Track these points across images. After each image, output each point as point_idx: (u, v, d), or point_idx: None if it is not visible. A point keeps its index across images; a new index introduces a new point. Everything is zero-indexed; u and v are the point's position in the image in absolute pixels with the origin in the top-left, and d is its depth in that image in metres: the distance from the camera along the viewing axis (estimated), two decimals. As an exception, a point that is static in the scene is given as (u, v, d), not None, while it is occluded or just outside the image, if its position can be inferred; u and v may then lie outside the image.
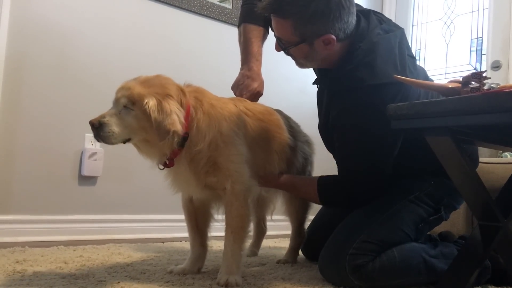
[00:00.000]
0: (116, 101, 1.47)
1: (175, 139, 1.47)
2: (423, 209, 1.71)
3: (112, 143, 1.45)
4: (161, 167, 1.58)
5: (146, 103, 1.42)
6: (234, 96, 1.89)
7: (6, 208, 2.26)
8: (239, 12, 2.07)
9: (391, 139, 1.64)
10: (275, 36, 1.71)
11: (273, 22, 1.68)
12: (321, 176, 1.78)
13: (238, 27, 2.02)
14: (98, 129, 1.41)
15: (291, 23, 1.61)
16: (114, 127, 1.42)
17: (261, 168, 1.72)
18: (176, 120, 1.44)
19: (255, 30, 1.94)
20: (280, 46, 1.70)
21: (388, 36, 1.69)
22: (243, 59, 1.94)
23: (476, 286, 1.66)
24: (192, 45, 2.89)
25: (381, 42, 1.66)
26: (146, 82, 1.49)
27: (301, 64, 1.77)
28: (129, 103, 1.44)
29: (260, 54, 1.94)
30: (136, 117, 1.44)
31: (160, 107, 1.43)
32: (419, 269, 1.62)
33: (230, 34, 3.03)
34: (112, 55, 2.59)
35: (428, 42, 3.83)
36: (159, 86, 1.48)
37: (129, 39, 2.65)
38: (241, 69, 1.93)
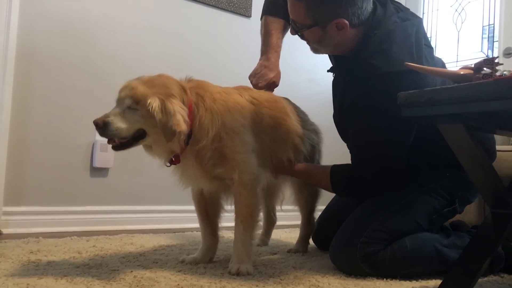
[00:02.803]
0: (120, 101, 1.49)
1: (182, 138, 1.49)
2: (437, 201, 1.70)
3: (122, 137, 1.48)
4: (168, 164, 1.60)
5: (149, 103, 1.44)
6: (250, 84, 1.91)
7: (20, 199, 2.29)
8: (262, 4, 2.07)
9: (405, 128, 1.63)
10: (290, 18, 1.71)
11: (288, 4, 1.69)
12: (334, 165, 1.78)
13: (261, 19, 2.04)
14: (103, 128, 1.45)
15: (304, 5, 1.62)
16: (120, 124, 1.45)
17: (269, 156, 1.72)
18: (180, 120, 1.46)
19: (275, 22, 1.96)
20: (294, 29, 1.72)
21: (404, 24, 1.67)
22: (263, 50, 1.97)
23: (490, 275, 1.66)
24: (200, 36, 2.89)
25: (397, 30, 1.64)
26: (149, 82, 1.51)
27: (315, 49, 1.77)
28: (133, 103, 1.46)
29: (279, 46, 1.97)
30: (142, 116, 1.46)
31: (163, 108, 1.45)
32: (431, 259, 1.61)
33: (239, 25, 3.03)
34: (122, 47, 2.59)
35: (439, 29, 3.78)
36: (162, 86, 1.50)
37: (138, 31, 2.65)
38: (260, 59, 1.96)
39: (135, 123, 1.47)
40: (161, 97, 1.46)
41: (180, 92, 1.53)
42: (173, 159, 1.58)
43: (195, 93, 1.57)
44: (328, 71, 1.90)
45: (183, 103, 1.52)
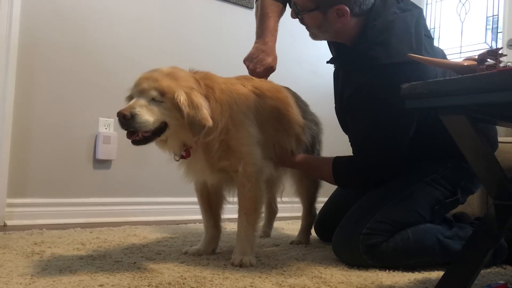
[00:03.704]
0: (143, 92, 1.43)
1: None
2: (439, 191, 1.70)
3: (148, 130, 1.41)
4: (177, 158, 1.58)
5: (177, 96, 1.41)
6: (246, 69, 1.89)
7: (24, 191, 2.30)
8: None
9: (405, 119, 1.63)
10: (292, 1, 1.71)
11: None
12: (337, 156, 1.78)
13: (256, 1, 2.01)
14: (130, 120, 1.37)
15: None
16: (147, 116, 1.39)
17: (272, 147, 1.72)
18: (207, 114, 1.45)
19: (272, 5, 1.94)
20: (295, 11, 1.71)
21: (404, 15, 1.67)
22: (259, 33, 1.93)
23: (492, 266, 1.66)
24: (201, 27, 2.88)
25: (397, 21, 1.64)
26: (171, 74, 1.48)
27: (314, 35, 1.76)
28: (158, 96, 1.42)
29: (276, 30, 1.94)
30: (168, 109, 1.43)
31: (190, 101, 1.43)
32: (434, 250, 1.62)
33: (240, 16, 3.02)
34: (125, 40, 2.59)
35: (443, 20, 3.76)
36: (182, 79, 1.48)
37: (139, 24, 2.65)
38: (256, 42, 1.92)
39: (160, 115, 1.42)
40: (186, 90, 1.45)
41: (197, 84, 1.52)
42: (184, 153, 1.56)
43: (204, 85, 1.55)
44: (327, 62, 1.89)
45: None
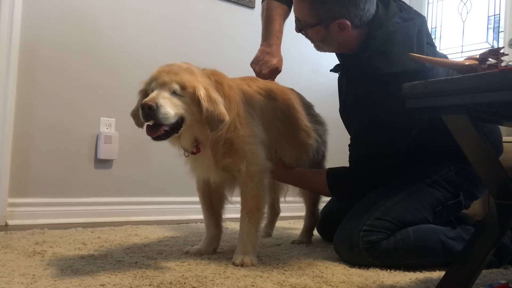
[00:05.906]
0: (164, 85, 1.42)
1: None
2: (440, 193, 1.70)
3: (168, 123, 1.40)
4: (187, 154, 1.58)
5: (198, 91, 1.42)
6: (253, 72, 1.91)
7: (25, 191, 2.30)
8: None
9: (405, 127, 1.65)
10: (295, 16, 1.73)
11: (293, 2, 1.71)
12: (330, 167, 1.81)
13: (262, 2, 2.03)
14: (155, 111, 1.36)
15: (308, 4, 1.64)
16: (169, 109, 1.38)
17: (273, 150, 1.72)
18: (224, 109, 1.45)
19: (278, 8, 1.96)
20: (298, 26, 1.73)
21: (406, 24, 1.68)
22: (264, 35, 1.96)
23: (497, 267, 1.66)
24: (203, 27, 2.88)
25: (398, 31, 1.66)
26: (188, 69, 1.48)
27: (318, 47, 1.79)
28: (179, 89, 1.42)
29: (281, 32, 1.96)
30: (186, 103, 1.44)
31: (208, 96, 1.43)
32: (436, 250, 1.62)
33: (242, 16, 3.02)
34: (126, 39, 2.59)
35: (444, 20, 3.76)
36: (199, 74, 1.49)
37: (141, 23, 2.65)
38: (261, 45, 1.95)
39: (180, 109, 1.42)
40: (204, 85, 1.46)
41: (209, 80, 1.52)
42: (194, 148, 1.56)
43: (214, 81, 1.56)
44: (331, 70, 1.90)
45: None
